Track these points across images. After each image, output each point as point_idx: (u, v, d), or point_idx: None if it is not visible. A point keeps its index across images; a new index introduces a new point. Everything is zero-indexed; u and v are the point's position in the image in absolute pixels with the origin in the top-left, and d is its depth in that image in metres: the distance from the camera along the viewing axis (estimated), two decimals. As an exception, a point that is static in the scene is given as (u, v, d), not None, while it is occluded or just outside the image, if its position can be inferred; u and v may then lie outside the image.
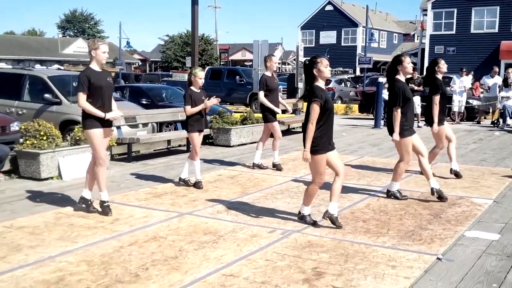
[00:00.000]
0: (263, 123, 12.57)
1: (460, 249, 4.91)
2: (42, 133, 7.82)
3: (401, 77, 6.59)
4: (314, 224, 5.58)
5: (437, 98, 7.78)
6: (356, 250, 4.86)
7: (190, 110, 7.17)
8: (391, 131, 6.69)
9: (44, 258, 4.62)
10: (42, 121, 8.09)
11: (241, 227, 5.54)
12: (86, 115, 5.82)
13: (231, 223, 5.69)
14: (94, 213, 6.02)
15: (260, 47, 16.15)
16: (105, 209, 6.00)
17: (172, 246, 4.94)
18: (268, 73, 8.73)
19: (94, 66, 5.86)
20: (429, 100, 7.95)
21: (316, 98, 5.18)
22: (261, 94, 8.60)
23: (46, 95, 10.90)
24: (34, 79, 11.48)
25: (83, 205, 6.12)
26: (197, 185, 7.35)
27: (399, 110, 6.49)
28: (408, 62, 6.56)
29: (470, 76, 18.90)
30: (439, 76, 7.92)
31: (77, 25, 74.23)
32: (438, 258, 4.64)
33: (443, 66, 7.92)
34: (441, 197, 6.67)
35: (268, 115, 8.68)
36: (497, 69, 17.86)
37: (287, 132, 13.90)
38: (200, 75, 7.27)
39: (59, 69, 14.12)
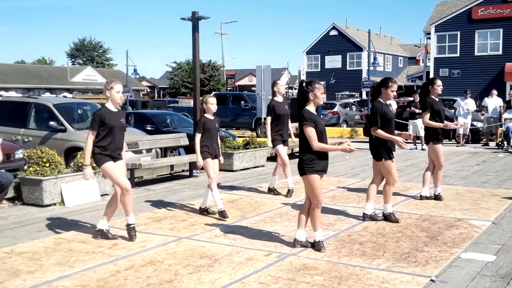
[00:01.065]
0: (266, 148, 12.75)
1: (454, 271, 4.92)
2: (44, 160, 7.96)
3: (382, 99, 6.68)
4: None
5: (426, 116, 7.87)
6: (350, 272, 4.89)
7: (198, 137, 7.17)
8: (374, 156, 6.75)
9: (41, 282, 4.69)
10: (45, 148, 8.24)
11: (238, 251, 5.59)
12: (93, 153, 5.95)
13: (228, 247, 5.74)
14: (116, 239, 6.04)
15: (263, 72, 16.31)
16: (130, 232, 6.04)
17: (167, 270, 4.99)
18: (278, 99, 8.70)
19: (110, 105, 6.04)
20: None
21: (305, 121, 5.29)
22: (268, 120, 8.58)
23: (51, 123, 11.12)
24: (39, 107, 11.72)
25: (101, 237, 6.11)
26: (221, 214, 7.12)
27: (377, 131, 6.55)
28: (392, 90, 6.64)
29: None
30: (433, 96, 7.98)
31: (86, 53, 75.35)
32: (431, 280, 4.66)
33: (437, 87, 7.97)
34: (374, 220, 6.79)
35: (274, 140, 8.62)
36: (495, 91, 17.90)
37: (290, 156, 13.93)
38: (211, 101, 7.29)
39: (64, 96, 14.31)
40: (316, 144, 5.28)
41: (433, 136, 7.96)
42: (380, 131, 6.59)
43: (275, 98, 8.75)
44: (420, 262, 5.17)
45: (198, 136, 7.19)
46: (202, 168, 7.42)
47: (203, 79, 58.86)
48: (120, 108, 6.23)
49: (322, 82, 50.48)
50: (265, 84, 16.89)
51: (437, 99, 8.02)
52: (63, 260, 5.35)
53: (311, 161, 5.36)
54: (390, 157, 6.71)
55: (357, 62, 51.26)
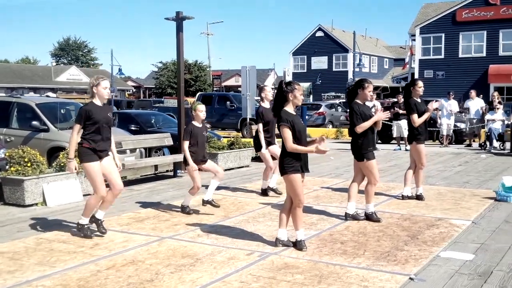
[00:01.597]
0: (251, 148, 12.77)
1: (433, 269, 4.99)
2: (26, 160, 7.90)
3: (359, 100, 6.74)
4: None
5: (414, 116, 7.94)
6: (331, 271, 4.93)
7: (186, 144, 7.16)
8: (356, 156, 6.80)
9: (21, 282, 4.67)
10: (26, 148, 8.18)
11: (220, 250, 5.60)
12: (81, 146, 5.94)
13: (210, 246, 5.75)
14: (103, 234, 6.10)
15: (248, 72, 16.36)
16: (84, 231, 6.09)
17: (149, 269, 4.99)
18: (265, 105, 8.65)
19: (96, 101, 6.06)
20: (409, 121, 8.15)
21: (282, 122, 5.33)
22: (260, 127, 8.51)
23: (34, 122, 11.02)
24: (22, 106, 11.61)
25: (85, 230, 6.14)
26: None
27: (359, 124, 6.59)
28: (369, 90, 6.69)
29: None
30: (415, 97, 8.05)
31: (71, 52, 74.78)
32: (410, 278, 4.71)
33: (419, 88, 8.05)
34: (356, 219, 6.85)
35: (259, 145, 8.61)
36: (473, 92, 18.11)
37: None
38: (200, 108, 7.28)
39: (47, 96, 14.21)
40: (290, 145, 5.31)
41: (415, 136, 8.04)
42: (361, 124, 6.59)
43: (263, 104, 8.71)
44: (400, 260, 5.22)
45: (186, 144, 7.18)
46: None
47: (189, 79, 58.76)
48: (106, 103, 6.23)
49: (308, 83, 50.97)
50: (251, 84, 16.94)
51: (419, 100, 8.10)
52: (44, 260, 5.32)
53: (291, 161, 5.39)
54: (372, 157, 6.76)
55: (343, 63, 51.51)
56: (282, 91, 5.46)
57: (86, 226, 6.16)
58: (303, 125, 5.54)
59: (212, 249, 5.64)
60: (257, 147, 8.71)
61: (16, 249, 5.67)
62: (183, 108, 11.55)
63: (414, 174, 8.25)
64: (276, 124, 5.47)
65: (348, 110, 25.67)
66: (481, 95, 19.67)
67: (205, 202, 7.46)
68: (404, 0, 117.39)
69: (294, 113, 5.51)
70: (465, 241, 5.94)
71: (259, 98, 9.07)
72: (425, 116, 7.97)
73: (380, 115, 6.64)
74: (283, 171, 5.46)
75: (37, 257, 5.39)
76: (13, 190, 7.83)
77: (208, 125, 7.55)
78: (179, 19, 11.47)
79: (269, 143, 8.62)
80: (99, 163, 6.01)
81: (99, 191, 6.01)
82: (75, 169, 6.12)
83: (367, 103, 6.91)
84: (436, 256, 5.39)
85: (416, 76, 38.23)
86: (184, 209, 7.44)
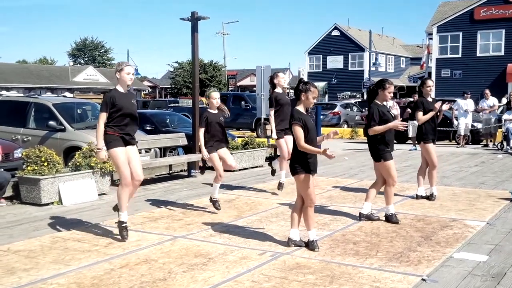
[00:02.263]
0: (264, 148, 12.79)
1: (446, 270, 4.96)
2: (43, 159, 8.01)
3: (378, 101, 6.72)
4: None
5: (419, 114, 7.92)
6: (342, 271, 4.93)
7: (201, 131, 7.28)
8: (374, 157, 6.79)
9: (36, 280, 4.74)
10: (43, 147, 8.29)
11: (232, 250, 5.63)
12: (106, 133, 5.95)
13: (222, 246, 5.78)
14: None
15: (263, 72, 16.30)
16: (122, 232, 6.04)
17: (162, 268, 5.04)
18: (278, 90, 8.72)
19: (119, 88, 6.08)
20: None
21: (294, 120, 5.35)
22: (271, 112, 8.60)
23: (51, 122, 11.16)
24: (39, 106, 11.77)
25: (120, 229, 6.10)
26: (215, 203, 7.48)
27: (374, 128, 6.58)
28: (389, 91, 6.66)
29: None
30: (425, 96, 8.06)
31: (88, 53, 75.41)
32: (422, 279, 4.69)
33: (427, 87, 8.08)
34: (371, 219, 6.84)
35: (276, 132, 8.62)
36: (487, 91, 17.97)
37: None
38: (214, 95, 7.38)
39: (64, 96, 14.38)
40: (302, 144, 5.32)
41: (423, 135, 8.05)
42: (376, 127, 6.59)
43: (276, 90, 8.76)
44: (413, 261, 5.20)
45: (201, 131, 7.30)
46: (210, 166, 7.50)
47: (205, 79, 58.96)
48: (130, 90, 6.24)
49: (323, 83, 50.81)
50: (265, 84, 16.89)
51: (429, 99, 8.08)
52: (59, 258, 5.40)
53: (302, 161, 5.40)
54: (389, 158, 6.73)
55: (359, 63, 51.25)
56: (297, 91, 5.47)
57: (123, 225, 6.05)
58: (313, 125, 5.56)
59: (225, 249, 5.67)
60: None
61: (32, 247, 5.76)
62: (197, 108, 11.59)
63: (428, 174, 8.22)
64: (289, 124, 5.48)
65: (363, 110, 25.62)
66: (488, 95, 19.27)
67: (211, 200, 7.55)
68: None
69: (306, 113, 5.51)
70: (479, 242, 5.89)
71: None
72: (430, 114, 7.94)
73: (396, 123, 6.62)
74: (294, 171, 5.47)
75: (52, 256, 5.47)
76: (30, 189, 7.95)
77: (225, 108, 7.59)
78: (195, 19, 11.52)
79: (286, 131, 8.50)
80: (125, 149, 6.00)
81: (124, 177, 5.97)
82: (105, 157, 6.08)
83: (384, 103, 6.89)
84: (449, 257, 5.35)
85: (433, 75, 37.97)
86: (214, 203, 7.50)
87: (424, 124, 8.02)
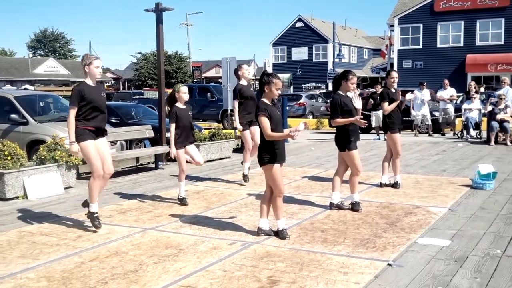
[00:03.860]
0: (232, 139, 12.84)
1: (411, 255, 5.13)
2: (6, 153, 7.85)
3: (342, 92, 6.87)
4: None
5: (385, 104, 8.15)
6: (311, 258, 5.04)
7: (173, 127, 7.25)
8: (339, 146, 6.93)
9: (5, 275, 4.68)
10: (6, 141, 8.13)
11: (203, 240, 5.67)
12: (76, 127, 5.91)
13: (193, 237, 5.82)
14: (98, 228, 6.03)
15: (229, 64, 16.31)
16: (93, 221, 6.05)
17: (132, 260, 5.04)
18: (243, 82, 8.78)
19: (88, 81, 6.03)
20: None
21: (260, 111, 5.43)
22: (236, 104, 8.66)
23: (13, 116, 10.91)
24: (0, 99, 11.47)
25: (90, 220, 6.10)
26: (182, 201, 7.46)
27: (336, 119, 6.76)
28: (352, 82, 6.81)
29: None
30: (389, 87, 8.28)
31: (48, 44, 73.67)
32: (388, 264, 4.85)
33: (391, 79, 8.30)
34: (341, 208, 6.99)
35: (242, 124, 8.68)
36: (446, 81, 18.47)
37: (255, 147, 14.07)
38: (183, 90, 7.36)
39: (25, 89, 14.07)
40: (269, 133, 5.41)
41: (388, 125, 8.27)
42: (338, 119, 6.76)
43: (240, 82, 8.81)
44: (379, 247, 5.36)
45: (172, 126, 7.27)
46: (174, 159, 7.50)
47: (171, 70, 58.40)
48: (98, 83, 6.19)
49: (288, 74, 51.10)
50: (231, 76, 16.90)
51: (393, 90, 8.29)
52: (27, 252, 5.34)
53: (270, 151, 5.48)
54: (354, 148, 6.88)
55: (323, 54, 51.73)
56: (261, 83, 5.55)
57: (95, 215, 6.08)
58: (279, 115, 5.64)
59: (195, 240, 5.71)
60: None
61: (-1, 243, 5.68)
62: (163, 100, 11.52)
63: (391, 163, 8.46)
64: (255, 115, 5.55)
65: (328, 101, 25.86)
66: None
67: (179, 199, 7.53)
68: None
69: (272, 104, 5.59)
70: (442, 228, 6.10)
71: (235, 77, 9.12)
72: (394, 104, 8.17)
73: (358, 120, 6.77)
74: (262, 162, 5.55)
75: (20, 250, 5.41)
76: (-7, 184, 7.79)
77: (190, 106, 7.61)
78: (159, 11, 11.43)
79: (251, 123, 8.64)
80: (94, 142, 5.99)
81: (96, 169, 5.96)
82: (78, 151, 6.04)
83: (349, 94, 7.03)
84: (413, 242, 5.53)
85: (395, 66, 38.63)
86: (181, 201, 7.49)
87: (390, 114, 8.22)
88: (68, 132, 5.99)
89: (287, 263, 4.92)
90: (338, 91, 6.90)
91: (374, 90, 18.58)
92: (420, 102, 17.69)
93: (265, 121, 5.43)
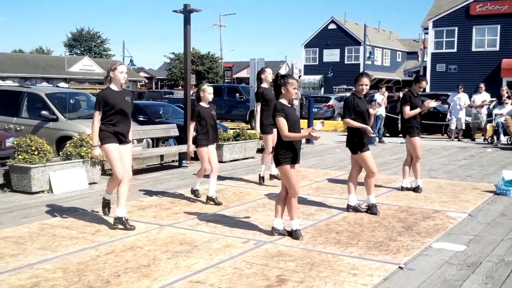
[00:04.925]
0: (256, 140, 12.90)
1: (423, 259, 5.09)
2: (33, 148, 8.10)
3: (356, 93, 6.92)
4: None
5: (406, 109, 8.12)
6: (322, 259, 5.05)
7: (192, 125, 7.36)
8: (351, 148, 6.91)
9: (23, 265, 4.85)
10: (34, 136, 8.39)
11: (217, 238, 5.75)
12: (100, 130, 6.08)
13: (208, 234, 5.90)
14: (133, 229, 6.04)
15: (257, 64, 16.42)
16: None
17: (146, 255, 5.16)
18: (265, 85, 8.81)
19: (113, 86, 6.18)
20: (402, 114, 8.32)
21: (277, 112, 5.46)
22: (258, 106, 8.71)
23: (43, 112, 11.23)
24: (32, 96, 11.83)
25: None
26: (210, 199, 7.50)
27: (347, 120, 6.77)
28: (361, 83, 6.82)
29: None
30: (413, 92, 8.27)
31: (84, 43, 75.27)
32: (399, 267, 4.82)
33: (419, 87, 8.26)
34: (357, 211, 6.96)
35: (264, 127, 8.74)
36: (482, 85, 18.00)
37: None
38: (209, 90, 7.44)
39: (57, 86, 14.44)
40: (286, 133, 5.45)
41: (407, 129, 8.21)
42: (349, 120, 6.78)
43: (262, 85, 8.84)
44: (392, 250, 5.33)
45: (191, 125, 7.37)
46: (194, 158, 7.60)
47: (203, 71, 58.89)
48: (124, 88, 6.32)
49: (320, 76, 50.89)
50: (258, 76, 17.01)
51: (415, 95, 8.24)
52: (46, 244, 5.51)
53: (285, 152, 5.52)
54: (366, 149, 6.86)
55: (355, 56, 51.31)
56: (277, 85, 5.60)
57: (107, 201, 6.51)
58: (297, 116, 5.68)
59: (210, 237, 5.79)
60: (262, 130, 8.79)
61: (21, 234, 5.88)
62: (189, 99, 11.68)
63: (412, 167, 8.38)
64: (272, 116, 5.60)
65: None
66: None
67: (208, 199, 7.56)
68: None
69: (289, 105, 5.63)
70: (459, 233, 6.02)
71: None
72: (417, 110, 8.15)
73: (367, 128, 6.78)
74: (278, 162, 5.59)
75: (40, 242, 5.58)
76: (21, 177, 8.04)
77: (214, 106, 7.69)
78: (187, 12, 11.58)
79: (273, 125, 8.63)
80: (117, 146, 6.12)
81: (117, 173, 6.09)
82: (100, 155, 6.24)
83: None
84: (428, 246, 5.49)
85: (428, 69, 38.09)
86: (193, 192, 7.71)
87: (409, 118, 8.16)
88: (92, 136, 6.16)
89: (298, 262, 4.95)
90: (353, 92, 6.96)
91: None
92: (456, 105, 17.40)
93: (282, 121, 5.47)
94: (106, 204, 6.60)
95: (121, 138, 6.16)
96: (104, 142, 6.07)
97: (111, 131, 6.07)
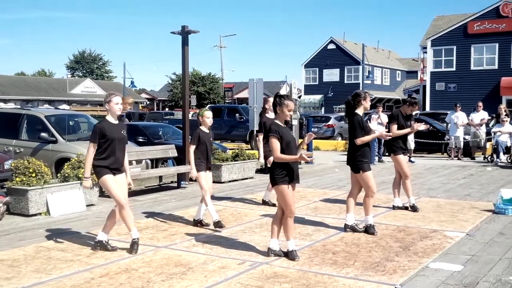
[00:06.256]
0: (255, 160, 12.89)
1: (420, 280, 5.05)
2: (31, 170, 8.11)
3: (359, 111, 6.90)
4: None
5: (394, 127, 8.23)
6: (318, 280, 5.02)
7: (192, 148, 7.28)
8: (352, 168, 6.92)
9: (16, 289, 4.83)
10: (31, 158, 8.41)
11: (213, 259, 5.72)
12: (93, 166, 6.07)
13: (203, 256, 5.88)
14: (115, 250, 6.06)
15: (255, 85, 16.50)
16: (133, 246, 6.06)
17: (141, 277, 5.13)
18: (269, 115, 8.68)
19: (110, 118, 6.16)
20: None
21: (271, 133, 5.48)
22: (260, 137, 8.64)
23: (43, 134, 11.26)
24: (31, 118, 11.87)
25: (100, 248, 6.12)
26: (217, 224, 7.23)
27: (360, 138, 6.78)
28: (367, 101, 6.86)
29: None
30: (402, 111, 8.42)
31: (86, 65, 75.87)
32: (395, 288, 4.79)
33: (410, 111, 8.41)
34: (355, 231, 6.93)
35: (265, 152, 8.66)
36: (480, 104, 18.05)
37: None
38: (207, 114, 7.42)
39: (57, 108, 14.52)
40: (278, 155, 5.46)
41: (392, 147, 8.28)
42: (364, 137, 6.83)
43: (266, 115, 8.80)
44: (388, 271, 5.30)
45: (192, 148, 7.32)
46: (195, 180, 7.53)
47: (204, 92, 59.17)
48: (120, 121, 6.32)
49: (320, 96, 51.06)
50: (258, 97, 17.07)
51: (404, 115, 8.34)
52: (41, 267, 5.49)
53: (281, 172, 5.52)
54: (367, 169, 6.86)
55: (355, 76, 51.50)
56: (274, 104, 5.62)
57: (104, 242, 6.16)
58: (292, 137, 5.69)
59: (205, 258, 5.76)
60: (265, 161, 8.78)
61: (16, 257, 5.85)
62: (187, 120, 11.72)
63: (402, 185, 8.42)
64: (266, 136, 5.63)
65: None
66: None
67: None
68: (417, 12, 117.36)
69: (284, 126, 5.65)
70: (456, 253, 5.99)
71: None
72: (404, 131, 8.25)
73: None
74: (274, 182, 5.59)
75: (35, 265, 5.56)
76: (18, 200, 8.04)
77: (212, 132, 7.69)
78: (185, 33, 11.69)
79: None
80: (113, 176, 6.10)
81: (118, 200, 6.05)
82: (90, 186, 6.26)
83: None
84: (425, 267, 5.45)
85: (428, 88, 38.21)
86: (196, 223, 7.48)
87: (395, 137, 8.21)
88: (85, 167, 6.13)
89: (293, 284, 4.92)
90: (356, 112, 6.95)
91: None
92: (454, 124, 17.40)
93: (275, 142, 5.49)
94: (107, 244, 6.18)
95: (115, 172, 6.13)
96: (100, 175, 6.07)
97: (105, 165, 6.05)
